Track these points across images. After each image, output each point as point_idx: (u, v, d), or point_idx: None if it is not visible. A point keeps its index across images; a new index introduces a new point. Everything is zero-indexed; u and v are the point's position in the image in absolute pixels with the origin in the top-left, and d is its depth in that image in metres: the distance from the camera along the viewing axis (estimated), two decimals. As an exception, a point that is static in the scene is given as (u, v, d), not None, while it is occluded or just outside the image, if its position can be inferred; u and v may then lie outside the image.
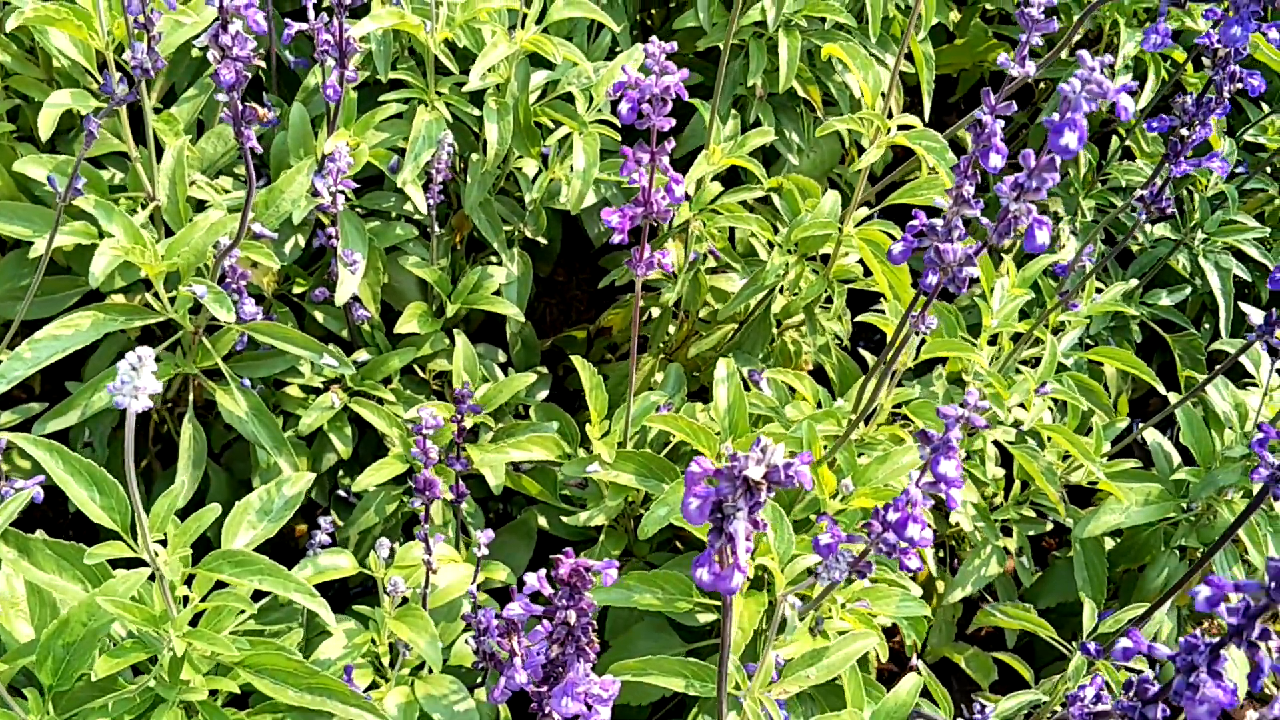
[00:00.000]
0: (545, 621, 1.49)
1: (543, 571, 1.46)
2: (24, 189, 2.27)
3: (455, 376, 2.26)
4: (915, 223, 1.72)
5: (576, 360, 2.20)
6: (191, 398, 2.20)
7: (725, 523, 1.27)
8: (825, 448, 1.92)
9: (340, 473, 2.46)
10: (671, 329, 2.54)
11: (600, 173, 2.24)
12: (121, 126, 2.12)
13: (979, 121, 1.57)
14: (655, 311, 2.66)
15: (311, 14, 1.96)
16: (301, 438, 2.26)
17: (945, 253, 1.52)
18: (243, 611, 1.69)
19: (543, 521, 2.39)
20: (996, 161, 1.57)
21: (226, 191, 2.14)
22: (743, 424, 2.00)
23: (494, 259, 2.55)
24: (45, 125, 1.87)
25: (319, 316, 2.36)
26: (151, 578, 1.61)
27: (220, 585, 1.67)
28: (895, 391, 2.04)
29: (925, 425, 1.92)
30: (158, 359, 2.12)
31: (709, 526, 1.28)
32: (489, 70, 2.08)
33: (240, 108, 1.65)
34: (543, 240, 2.52)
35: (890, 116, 2.21)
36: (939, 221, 1.64)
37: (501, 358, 2.64)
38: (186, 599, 1.68)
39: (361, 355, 2.33)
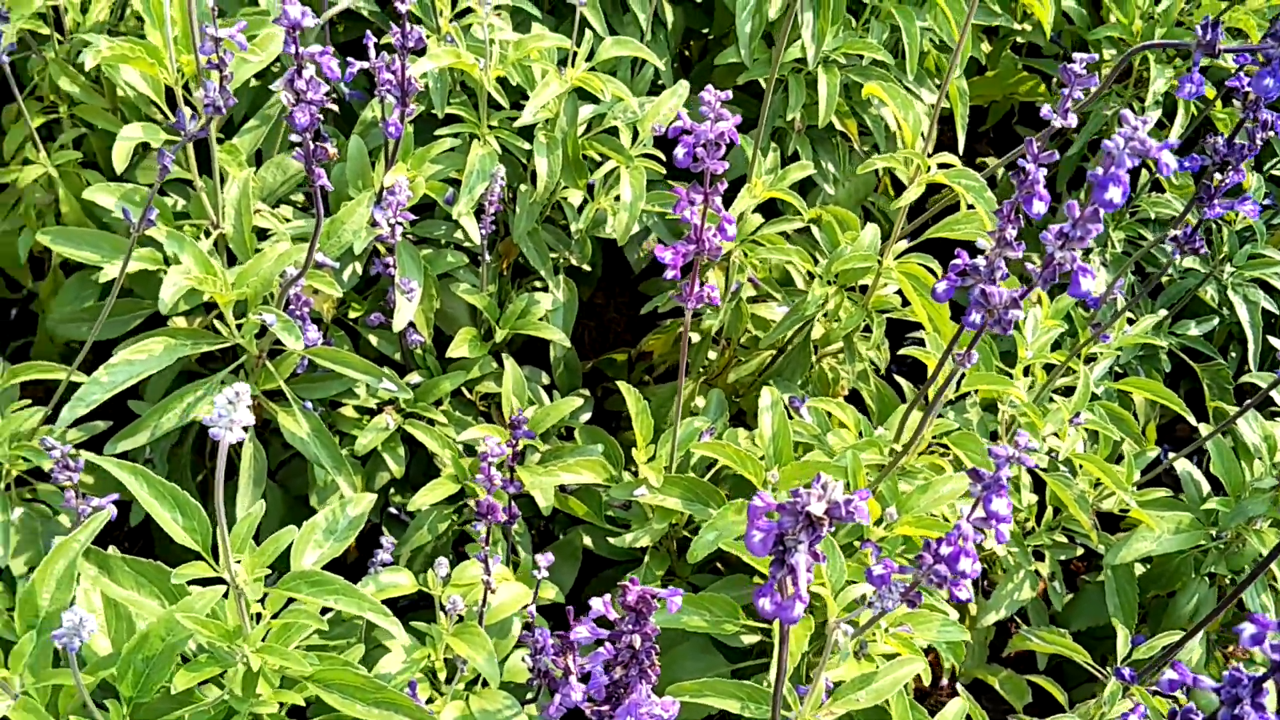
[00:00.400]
0: (608, 644, 1.56)
1: (607, 596, 1.53)
2: (89, 214, 2.35)
3: (505, 400, 2.33)
4: (958, 262, 1.79)
5: (622, 386, 2.27)
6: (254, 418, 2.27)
7: (787, 555, 1.34)
8: (869, 476, 1.98)
9: (391, 490, 2.54)
10: (712, 355, 2.61)
11: (643, 204, 2.31)
12: (185, 155, 2.21)
13: (1022, 169, 1.63)
14: (695, 337, 2.73)
15: (373, 53, 2.04)
16: (356, 457, 2.33)
17: (991, 295, 1.59)
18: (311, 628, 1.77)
19: (587, 541, 2.46)
20: (1039, 208, 1.63)
21: (287, 220, 2.22)
22: (787, 451, 2.06)
23: (538, 284, 2.63)
24: (120, 158, 1.95)
25: (373, 340, 2.44)
26: (226, 595, 1.68)
27: (290, 601, 1.74)
28: (935, 422, 2.10)
29: (966, 456, 1.99)
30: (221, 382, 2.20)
31: (770, 559, 1.36)
32: (540, 106, 2.15)
33: (311, 147, 1.72)
34: (586, 266, 2.59)
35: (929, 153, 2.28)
36: (981, 262, 1.71)
37: (544, 380, 2.71)
38: (258, 615, 1.75)
39: (414, 378, 2.40)
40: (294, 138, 1.67)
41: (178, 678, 1.66)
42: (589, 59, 2.23)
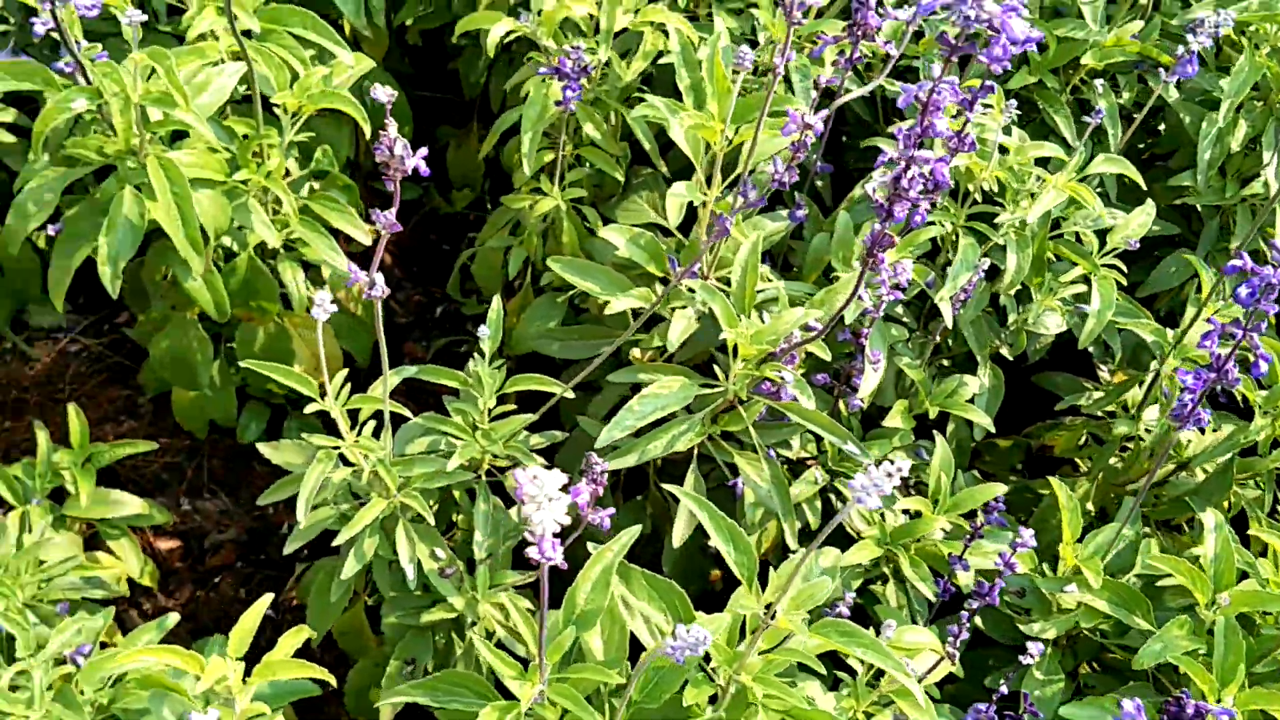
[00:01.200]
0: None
1: (1138, 699, 1.65)
2: (580, 245, 2.59)
3: (931, 475, 2.46)
4: None
5: (1054, 482, 2.38)
6: (696, 452, 2.47)
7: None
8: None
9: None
10: (1112, 460, 2.69)
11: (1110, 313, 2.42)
12: (661, 204, 2.42)
13: None
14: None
15: (902, 144, 2.20)
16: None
17: None
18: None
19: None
20: None
21: (768, 279, 2.40)
22: (1229, 575, 2.14)
23: (945, 363, 2.77)
24: (674, 212, 2.17)
25: (804, 397, 2.61)
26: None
27: (787, 638, 1.90)
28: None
29: None
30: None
31: None
32: (1042, 211, 2.29)
33: (883, 235, 1.89)
34: (1010, 356, 2.72)
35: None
36: None
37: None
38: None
39: (839, 440, 2.56)
40: (877, 225, 1.85)
41: (689, 691, 1.84)
42: (1080, 170, 2.36)
